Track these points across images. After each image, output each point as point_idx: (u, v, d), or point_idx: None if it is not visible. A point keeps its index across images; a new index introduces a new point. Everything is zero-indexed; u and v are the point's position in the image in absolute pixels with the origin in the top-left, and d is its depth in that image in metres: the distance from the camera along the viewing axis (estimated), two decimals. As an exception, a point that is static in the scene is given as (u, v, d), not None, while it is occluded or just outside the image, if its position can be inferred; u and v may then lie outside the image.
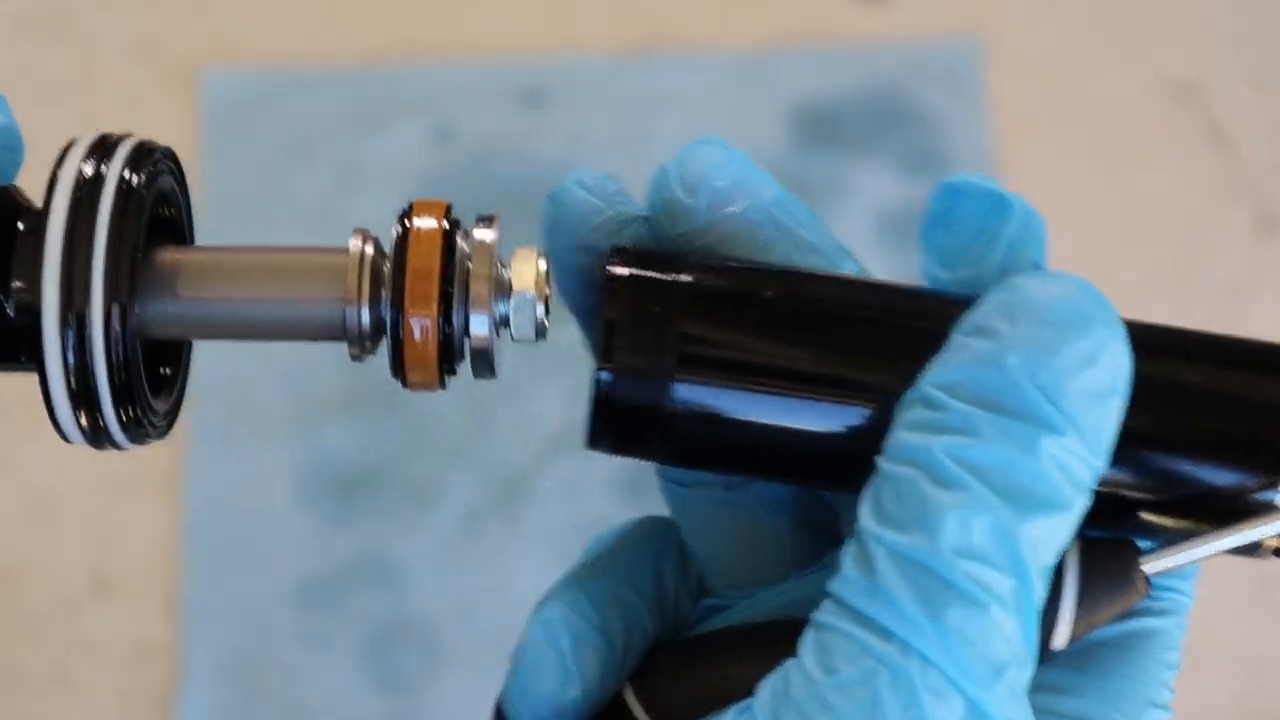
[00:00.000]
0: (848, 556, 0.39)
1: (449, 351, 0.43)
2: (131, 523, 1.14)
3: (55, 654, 1.12)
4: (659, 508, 0.48)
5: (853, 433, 0.42)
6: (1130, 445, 0.40)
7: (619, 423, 0.43)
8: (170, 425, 0.45)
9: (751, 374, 0.42)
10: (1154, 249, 1.22)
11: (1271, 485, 0.41)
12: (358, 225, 0.47)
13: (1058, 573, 0.41)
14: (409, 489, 1.14)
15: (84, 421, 0.42)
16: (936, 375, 0.39)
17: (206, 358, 1.19)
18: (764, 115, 1.24)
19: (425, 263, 0.42)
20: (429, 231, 0.43)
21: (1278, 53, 1.28)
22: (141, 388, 0.42)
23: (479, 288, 0.43)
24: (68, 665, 1.12)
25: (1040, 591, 0.38)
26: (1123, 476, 0.41)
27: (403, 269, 0.43)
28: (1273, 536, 0.42)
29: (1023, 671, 0.38)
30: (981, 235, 0.44)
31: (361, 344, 0.43)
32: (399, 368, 0.43)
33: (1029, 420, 0.38)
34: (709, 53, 1.26)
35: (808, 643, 0.39)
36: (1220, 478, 0.41)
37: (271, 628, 1.10)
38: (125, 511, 1.14)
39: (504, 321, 0.44)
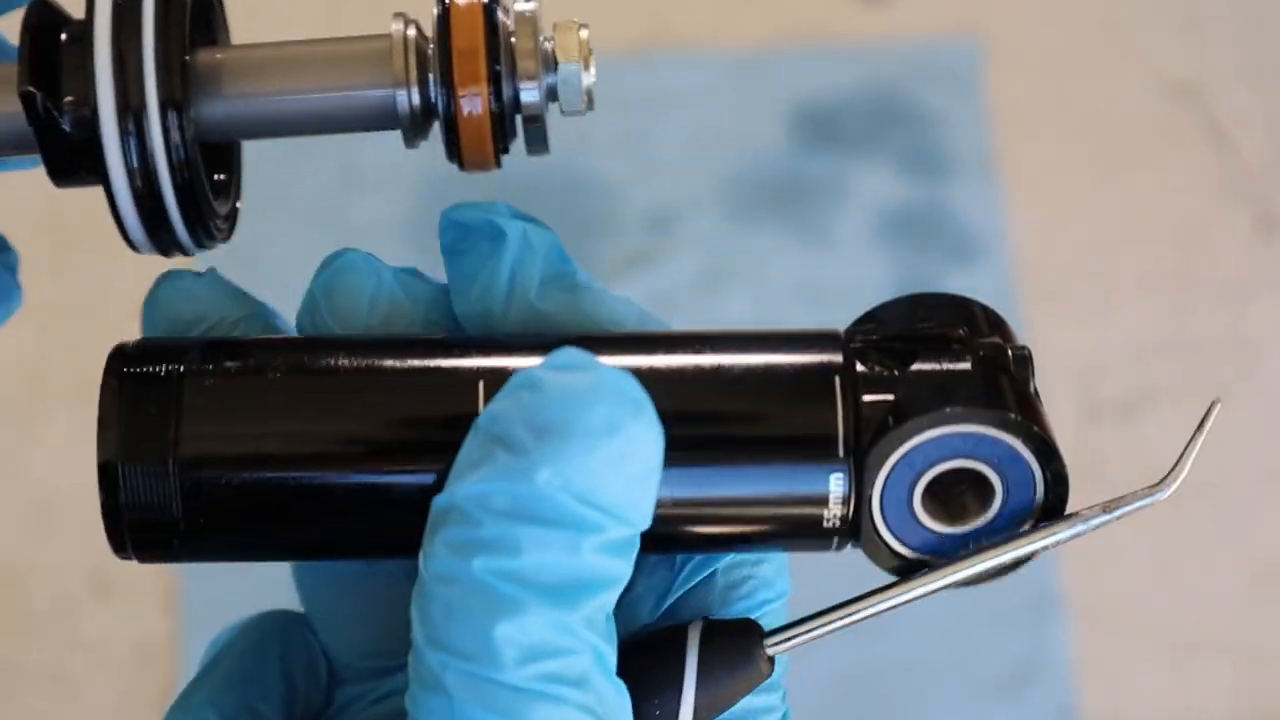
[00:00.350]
0: (415, 676, 0.38)
1: (502, 128, 0.42)
2: (132, 523, 1.14)
3: (55, 654, 1.12)
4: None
5: (386, 510, 0.40)
6: (685, 476, 0.40)
7: (134, 534, 0.40)
8: (232, 229, 0.44)
9: (260, 462, 0.40)
10: (1154, 249, 1.22)
11: (829, 472, 0.40)
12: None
13: (679, 658, 0.41)
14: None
15: (150, 227, 0.41)
16: (466, 486, 0.37)
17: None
18: (764, 115, 1.24)
19: (470, 40, 0.41)
20: (469, 7, 0.42)
21: (1278, 53, 1.28)
22: (204, 188, 0.42)
23: (526, 62, 0.42)
24: (68, 665, 1.12)
25: (611, 648, 0.38)
26: (694, 510, 0.40)
27: (448, 48, 0.41)
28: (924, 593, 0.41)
29: None
30: (486, 263, 0.43)
31: (415, 129, 0.42)
32: (454, 149, 0.42)
33: (568, 527, 0.37)
34: (710, 52, 1.26)
35: None
36: (784, 482, 0.40)
37: (272, 628, 1.10)
38: (125, 511, 1.14)
39: (552, 94, 0.43)
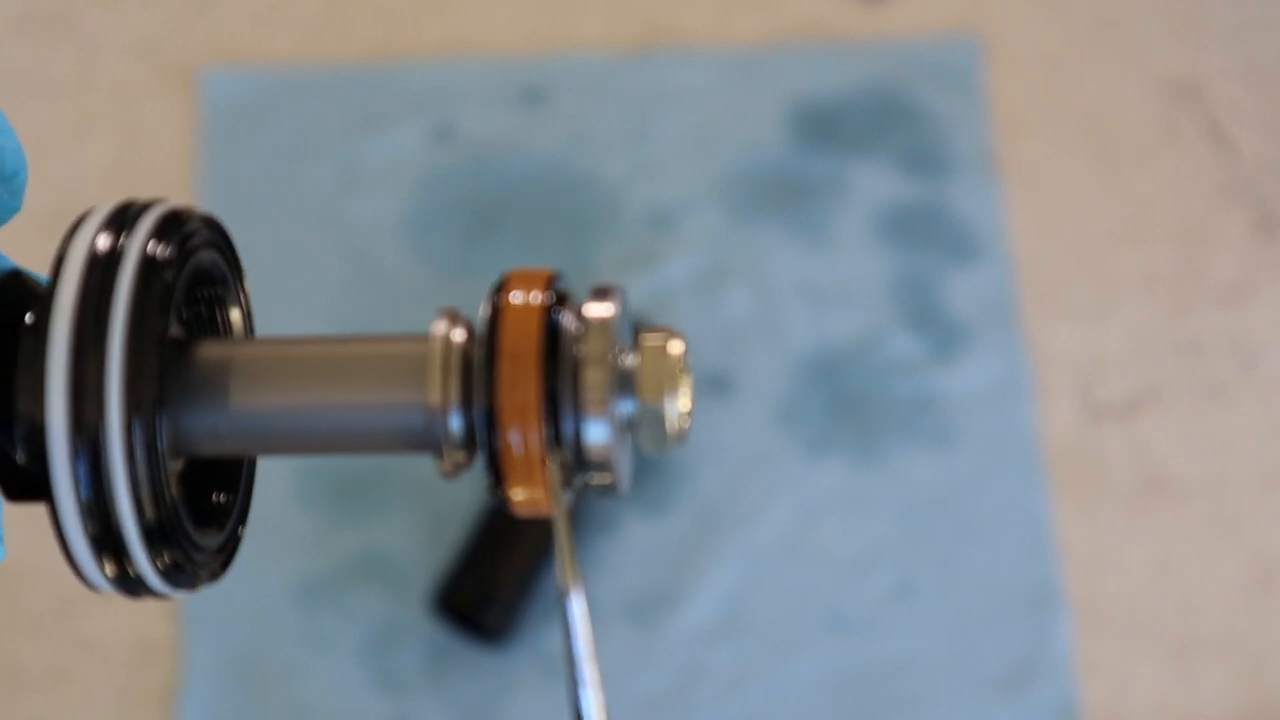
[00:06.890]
0: None
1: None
2: (131, 523, 1.14)
3: (55, 654, 1.12)
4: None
5: None
6: None
7: None
8: (227, 563, 0.36)
9: None
10: (1154, 249, 1.22)
11: None
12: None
13: None
14: (409, 489, 1.14)
15: (109, 570, 0.33)
16: None
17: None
18: (764, 115, 1.24)
19: (521, 351, 0.32)
20: (524, 310, 0.32)
21: (1278, 53, 1.28)
22: (178, 521, 0.33)
23: (593, 382, 0.32)
24: (68, 665, 1.12)
25: None
26: None
27: (494, 361, 0.32)
28: None
29: None
30: None
31: (454, 458, 0.34)
32: (498, 489, 0.33)
33: None
34: (709, 52, 1.26)
35: None
36: None
37: (272, 627, 1.10)
38: (125, 511, 1.14)
39: (628, 426, 0.33)
